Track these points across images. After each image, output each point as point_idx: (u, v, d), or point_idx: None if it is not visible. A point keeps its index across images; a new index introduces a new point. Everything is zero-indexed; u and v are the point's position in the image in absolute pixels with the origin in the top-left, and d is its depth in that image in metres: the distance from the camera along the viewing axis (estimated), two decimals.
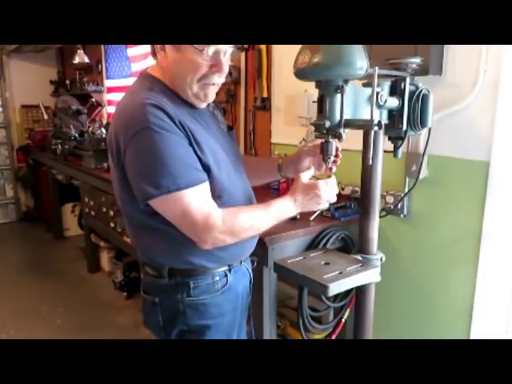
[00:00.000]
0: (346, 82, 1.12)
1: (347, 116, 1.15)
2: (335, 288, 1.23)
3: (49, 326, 2.81)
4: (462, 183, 1.59)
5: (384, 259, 1.42)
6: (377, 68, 1.11)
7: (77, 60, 4.31)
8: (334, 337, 1.71)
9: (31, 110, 5.22)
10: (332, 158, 1.20)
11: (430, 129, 1.41)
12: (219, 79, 1.12)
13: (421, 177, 1.63)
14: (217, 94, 1.18)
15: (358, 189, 1.76)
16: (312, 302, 1.64)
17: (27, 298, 3.20)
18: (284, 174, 1.37)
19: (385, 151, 1.34)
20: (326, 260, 1.39)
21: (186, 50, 1.06)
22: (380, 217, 1.41)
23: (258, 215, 1.14)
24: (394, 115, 1.30)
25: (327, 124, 1.14)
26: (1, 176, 5.21)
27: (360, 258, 1.38)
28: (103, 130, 3.28)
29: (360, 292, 1.43)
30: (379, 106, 1.23)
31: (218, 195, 1.10)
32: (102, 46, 4.39)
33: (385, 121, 1.27)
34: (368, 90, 1.20)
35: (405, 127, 1.29)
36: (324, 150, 1.19)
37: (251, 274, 1.34)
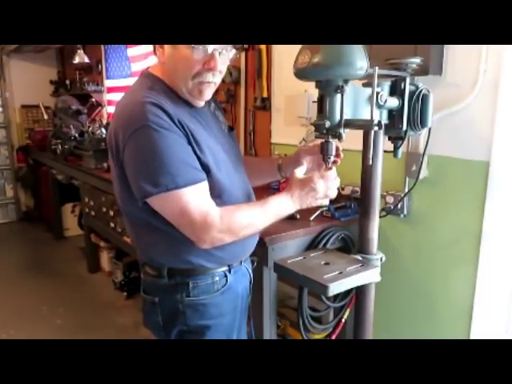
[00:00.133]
0: (346, 81, 1.12)
1: (347, 116, 1.15)
2: (335, 288, 1.23)
3: (49, 326, 2.81)
4: (462, 183, 1.59)
5: (384, 259, 1.42)
6: (377, 68, 1.10)
7: (77, 60, 4.31)
8: (334, 337, 1.71)
9: (31, 110, 5.22)
10: (332, 158, 1.20)
11: (429, 129, 1.41)
12: (214, 78, 1.12)
13: (421, 177, 1.63)
14: (217, 93, 1.17)
15: (358, 189, 1.76)
16: (312, 302, 1.64)
17: (27, 298, 3.20)
18: (284, 174, 1.37)
19: (385, 151, 1.34)
20: (325, 260, 1.39)
21: (180, 46, 1.06)
22: (380, 217, 1.41)
23: (255, 213, 1.14)
24: (394, 115, 1.29)
25: (327, 124, 1.14)
26: (1, 176, 5.21)
27: (360, 258, 1.38)
28: (103, 130, 3.28)
29: (360, 292, 1.43)
30: (379, 106, 1.23)
31: (217, 195, 1.10)
32: (102, 46, 4.39)
33: (385, 121, 1.27)
34: (368, 90, 1.19)
35: (405, 127, 1.29)
36: (324, 150, 1.19)
37: (251, 275, 1.34)
